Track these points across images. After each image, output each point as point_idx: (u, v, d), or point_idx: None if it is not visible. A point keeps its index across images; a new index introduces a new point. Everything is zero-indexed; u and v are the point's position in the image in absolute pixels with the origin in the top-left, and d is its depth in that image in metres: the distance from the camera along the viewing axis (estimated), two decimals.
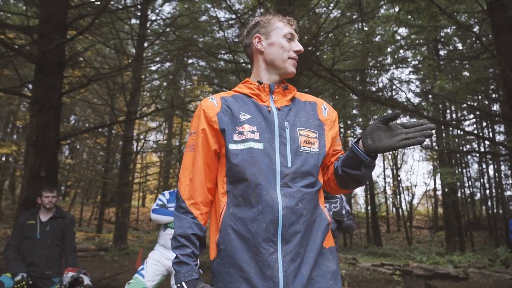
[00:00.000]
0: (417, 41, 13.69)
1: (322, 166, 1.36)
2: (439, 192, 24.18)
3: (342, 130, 19.31)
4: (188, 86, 19.49)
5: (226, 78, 14.31)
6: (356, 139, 1.25)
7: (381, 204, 28.92)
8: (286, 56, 1.36)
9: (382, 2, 9.34)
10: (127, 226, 13.18)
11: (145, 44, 11.69)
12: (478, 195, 24.16)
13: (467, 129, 17.08)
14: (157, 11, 12.55)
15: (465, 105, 13.74)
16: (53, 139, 5.60)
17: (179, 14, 11.74)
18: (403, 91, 12.92)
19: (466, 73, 12.78)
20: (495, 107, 16.72)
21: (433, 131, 1.11)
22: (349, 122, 18.55)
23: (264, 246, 1.16)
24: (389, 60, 14.39)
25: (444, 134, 15.92)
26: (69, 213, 3.97)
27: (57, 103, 5.79)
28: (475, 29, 10.11)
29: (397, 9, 10.18)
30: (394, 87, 14.64)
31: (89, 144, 18.75)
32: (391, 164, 25.01)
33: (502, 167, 19.78)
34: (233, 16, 10.17)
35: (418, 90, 15.82)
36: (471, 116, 16.56)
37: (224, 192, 1.27)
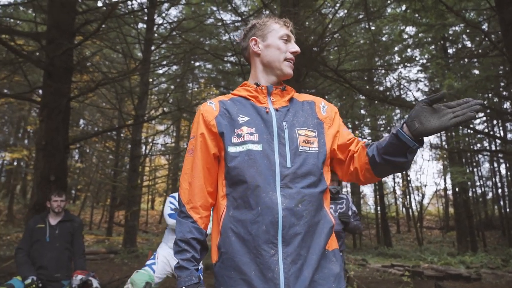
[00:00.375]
0: (424, 40, 13.54)
1: (338, 160, 1.34)
2: (449, 192, 23.87)
3: (349, 130, 19.18)
4: (195, 89, 19.58)
5: (232, 80, 14.35)
6: (398, 125, 1.19)
7: (391, 205, 28.65)
8: (282, 58, 1.37)
9: (389, 1, 9.27)
10: (137, 229, 13.28)
11: (152, 48, 11.79)
12: (490, 194, 23.79)
13: (477, 127, 16.85)
14: (163, 15, 12.65)
15: None
16: (62, 144, 5.67)
17: (185, 17, 11.82)
18: (410, 90, 12.78)
19: (475, 71, 12.60)
20: (506, 105, 16.45)
21: (481, 107, 1.06)
22: (356, 122, 18.43)
23: (265, 248, 1.15)
24: (396, 59, 14.29)
25: (453, 133, 15.71)
26: (77, 216, 4.01)
27: (66, 107, 5.86)
28: (483, 27, 9.97)
29: (403, 8, 10.10)
30: (401, 86, 14.51)
31: (99, 148, 18.94)
32: None
33: None
34: (239, 19, 10.20)
35: (426, 89, 15.66)
36: (481, 114, 16.30)
37: (224, 195, 1.27)
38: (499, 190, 22.60)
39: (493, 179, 22.82)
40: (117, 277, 7.04)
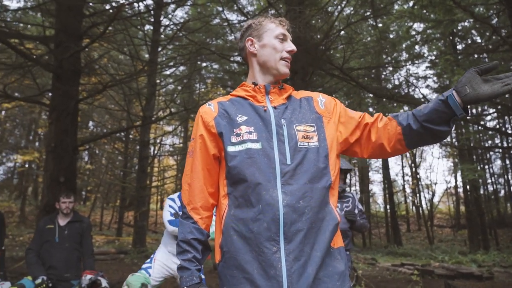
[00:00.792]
0: (433, 36, 13.38)
1: (356, 141, 1.34)
2: (460, 190, 23.56)
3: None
4: (202, 89, 19.66)
5: (239, 80, 14.35)
6: (445, 93, 1.16)
7: (400, 203, 28.40)
8: (278, 57, 1.37)
9: None
10: (146, 229, 13.38)
11: (159, 49, 11.86)
12: (502, 192, 23.43)
13: (488, 124, 16.60)
14: (170, 16, 12.72)
15: None
16: (70, 146, 5.75)
17: (191, 18, 11.87)
18: (417, 88, 12.65)
19: None
20: None
21: None
22: None
23: (267, 245, 1.15)
24: (404, 56, 14.14)
25: (463, 130, 15.51)
26: (86, 217, 4.06)
27: (74, 110, 5.94)
28: (493, 21, 9.82)
29: (411, 4, 10.00)
30: (410, 83, 14.36)
31: (108, 149, 19.14)
32: (410, 162, 24.52)
33: None
34: (244, 18, 10.20)
35: (435, 86, 15.48)
36: (492, 110, 16.06)
37: (225, 194, 1.28)
38: None
39: (506, 176, 22.47)
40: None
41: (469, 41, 14.86)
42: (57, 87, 5.78)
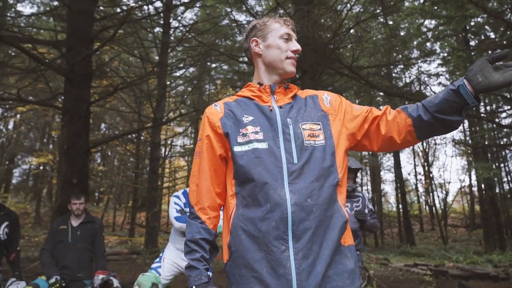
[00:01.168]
0: (445, 32, 13.16)
1: (364, 136, 1.34)
2: (475, 189, 23.12)
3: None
4: (212, 90, 19.73)
5: (248, 81, 14.22)
6: (456, 82, 1.16)
7: (413, 203, 28.02)
8: (283, 57, 1.37)
9: None
10: (158, 229, 13.49)
11: (168, 51, 11.94)
12: None
13: (504, 121, 16.21)
14: (179, 18, 12.81)
15: (499, 96, 13.06)
16: (83, 148, 5.84)
17: (200, 19, 11.94)
18: (428, 85, 12.46)
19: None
20: None
21: None
22: None
23: (275, 244, 1.15)
24: (415, 54, 13.94)
25: (477, 128, 15.22)
26: (98, 218, 4.12)
27: (86, 112, 6.03)
28: (506, 17, 9.60)
29: (422, 1, 9.86)
30: (421, 81, 14.15)
31: (120, 151, 19.38)
32: (422, 161, 24.19)
33: None
34: (253, 19, 10.20)
35: (448, 83, 15.22)
36: (507, 107, 15.72)
37: (233, 194, 1.28)
38: None
39: None
40: None
41: (482, 37, 14.56)
42: (69, 90, 5.87)
